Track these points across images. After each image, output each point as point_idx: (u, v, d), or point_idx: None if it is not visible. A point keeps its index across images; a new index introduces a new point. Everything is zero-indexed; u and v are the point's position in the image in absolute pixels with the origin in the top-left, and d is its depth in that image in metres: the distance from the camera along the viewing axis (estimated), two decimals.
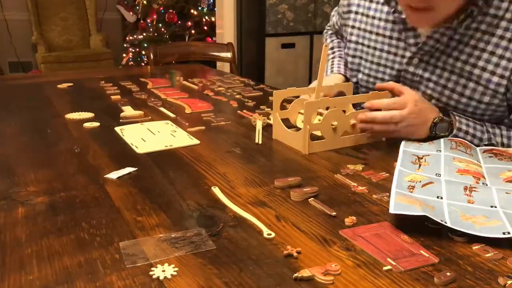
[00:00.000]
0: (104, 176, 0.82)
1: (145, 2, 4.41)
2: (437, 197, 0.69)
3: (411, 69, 1.07)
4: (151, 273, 0.54)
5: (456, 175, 0.78)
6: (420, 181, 0.74)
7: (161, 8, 4.20)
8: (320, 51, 1.02)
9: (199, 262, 0.56)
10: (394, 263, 0.56)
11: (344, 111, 0.99)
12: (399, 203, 0.64)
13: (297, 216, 0.68)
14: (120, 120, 1.16)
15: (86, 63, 5.01)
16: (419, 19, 0.98)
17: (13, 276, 0.53)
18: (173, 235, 0.62)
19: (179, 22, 4.14)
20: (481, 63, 0.97)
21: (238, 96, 1.44)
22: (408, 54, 1.08)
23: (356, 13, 1.20)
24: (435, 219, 0.61)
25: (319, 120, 0.99)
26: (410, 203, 0.65)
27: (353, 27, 1.21)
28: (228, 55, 2.29)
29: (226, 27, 3.56)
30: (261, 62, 3.48)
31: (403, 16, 1.04)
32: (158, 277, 0.53)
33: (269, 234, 0.62)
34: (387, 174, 0.83)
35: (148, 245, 0.60)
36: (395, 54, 1.11)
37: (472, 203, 0.68)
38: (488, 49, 0.97)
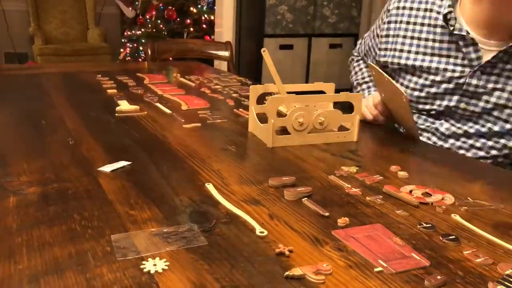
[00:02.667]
0: (98, 169, 0.81)
1: None
2: None
3: (474, 81, 1.10)
4: (142, 266, 0.53)
5: None
6: None
7: (161, 5, 4.19)
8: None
9: (191, 257, 0.56)
10: (385, 265, 0.56)
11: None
12: None
13: (290, 215, 0.68)
14: (116, 114, 1.16)
15: (83, 56, 4.99)
16: None
17: (2, 265, 0.53)
18: (165, 230, 0.62)
19: (178, 19, 4.13)
20: None
21: (234, 95, 1.44)
22: (467, 69, 1.11)
23: (404, 37, 1.21)
24: None
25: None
26: None
27: (401, 50, 1.22)
28: (226, 53, 2.29)
29: (225, 26, 3.56)
30: (259, 62, 3.48)
31: (463, 32, 1.09)
32: (149, 271, 0.53)
33: (261, 232, 0.62)
34: (381, 177, 0.83)
35: (140, 238, 0.59)
36: (453, 71, 1.13)
37: None
38: None
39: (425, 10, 1.18)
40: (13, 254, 0.55)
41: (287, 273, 0.53)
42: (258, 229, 0.63)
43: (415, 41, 1.19)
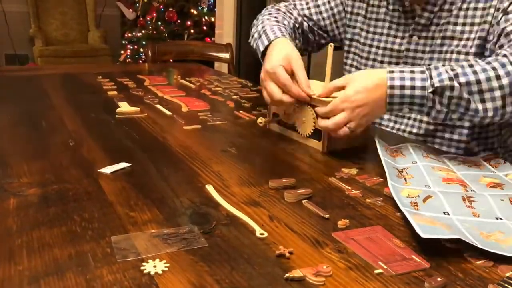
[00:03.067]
0: (98, 170, 0.81)
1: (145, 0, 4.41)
2: (444, 213, 0.69)
3: (412, 47, 1.11)
4: (142, 268, 0.53)
5: (443, 184, 0.78)
6: (418, 196, 0.74)
7: (161, 6, 4.20)
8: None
9: (191, 259, 0.56)
10: (385, 267, 0.56)
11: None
12: (423, 225, 0.62)
13: (290, 217, 0.68)
14: (116, 116, 1.16)
15: (83, 58, 5.00)
16: None
17: (2, 266, 0.53)
18: (165, 231, 0.62)
19: (179, 21, 4.14)
20: (467, 20, 1.04)
21: (235, 97, 1.44)
22: (407, 34, 1.12)
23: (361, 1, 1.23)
24: (468, 241, 0.60)
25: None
26: (431, 224, 0.64)
27: (351, 13, 1.25)
28: (227, 55, 2.29)
29: (226, 28, 3.56)
30: (260, 64, 3.47)
31: None
32: (149, 272, 0.53)
33: (261, 234, 0.62)
34: (381, 179, 0.83)
35: (140, 240, 0.59)
36: (395, 37, 1.15)
37: (478, 216, 0.68)
38: (471, 6, 1.03)
39: None
40: (13, 256, 0.55)
41: (287, 275, 0.53)
42: (258, 231, 0.63)
43: (368, 14, 1.21)
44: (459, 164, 0.90)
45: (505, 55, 0.87)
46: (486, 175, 0.85)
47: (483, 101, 0.84)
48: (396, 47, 1.15)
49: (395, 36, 1.16)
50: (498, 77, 0.84)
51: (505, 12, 0.98)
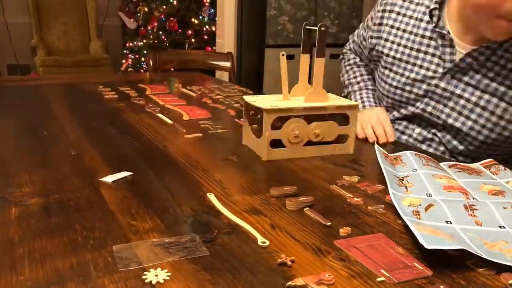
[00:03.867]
0: (100, 179, 0.81)
1: (146, 9, 4.44)
2: (446, 221, 0.68)
3: (442, 84, 1.10)
4: (143, 277, 0.53)
5: (444, 192, 0.78)
6: (420, 204, 0.73)
7: (162, 16, 4.22)
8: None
9: (192, 267, 0.56)
10: (388, 275, 0.56)
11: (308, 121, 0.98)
12: (426, 235, 0.62)
13: (292, 225, 0.68)
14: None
15: (85, 68, 5.02)
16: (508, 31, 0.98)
17: (4, 276, 0.53)
18: (166, 240, 0.62)
19: (180, 30, 4.16)
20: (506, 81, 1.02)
21: (236, 105, 1.44)
22: (441, 70, 1.10)
23: (392, 27, 1.21)
24: (472, 251, 0.60)
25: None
26: (434, 233, 0.63)
27: (386, 40, 1.22)
28: (228, 64, 2.30)
29: (226, 37, 3.58)
30: (260, 72, 3.49)
31: (444, 31, 1.08)
32: (150, 281, 0.52)
33: (263, 242, 0.62)
34: (382, 186, 0.83)
35: (142, 249, 0.59)
36: (427, 69, 1.13)
37: (480, 224, 0.68)
38: None
39: (417, 4, 1.18)
40: (14, 266, 0.55)
41: (289, 283, 0.53)
42: (260, 239, 0.63)
43: (399, 32, 1.19)
44: (459, 172, 0.90)
45: None
46: (487, 182, 0.85)
47: None
48: (427, 80, 1.14)
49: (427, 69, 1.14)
50: None
51: None
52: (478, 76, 1.05)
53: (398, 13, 1.20)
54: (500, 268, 0.58)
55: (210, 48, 3.96)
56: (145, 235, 0.63)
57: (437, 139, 1.15)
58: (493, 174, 0.90)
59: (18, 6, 5.12)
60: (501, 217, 0.69)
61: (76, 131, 1.11)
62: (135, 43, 4.53)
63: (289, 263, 0.57)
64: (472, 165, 0.95)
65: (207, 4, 4.11)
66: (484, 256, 0.59)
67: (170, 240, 0.62)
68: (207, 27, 4.07)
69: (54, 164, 0.90)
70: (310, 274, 0.55)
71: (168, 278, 0.53)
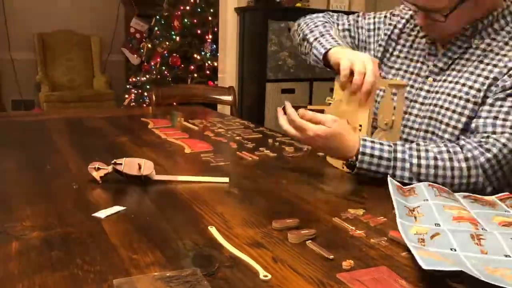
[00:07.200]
0: (92, 215, 0.80)
1: (149, 45, 4.53)
2: (451, 249, 0.68)
3: (426, 87, 1.17)
4: None
5: (454, 223, 0.77)
6: (426, 233, 0.73)
7: (165, 52, 4.30)
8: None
9: None
10: None
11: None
12: (426, 258, 0.62)
13: (294, 258, 0.67)
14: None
15: (89, 103, 5.08)
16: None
17: None
18: (168, 274, 0.61)
19: (182, 65, 4.23)
20: (469, 82, 1.08)
21: (238, 138, 1.45)
22: (427, 73, 1.18)
23: (403, 44, 1.26)
24: (471, 274, 0.59)
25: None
26: (435, 257, 0.63)
27: (391, 54, 1.28)
28: (229, 98, 2.33)
29: (228, 72, 3.64)
30: (261, 106, 3.52)
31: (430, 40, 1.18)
32: None
33: (265, 276, 0.61)
34: (385, 219, 0.82)
35: (143, 283, 0.59)
36: (418, 75, 1.20)
37: (486, 253, 0.67)
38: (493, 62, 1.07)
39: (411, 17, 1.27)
40: None
41: None
42: (262, 273, 0.62)
43: (398, 47, 1.27)
44: (472, 202, 0.89)
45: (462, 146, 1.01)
46: (499, 214, 0.84)
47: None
48: (416, 84, 1.19)
49: (417, 74, 1.20)
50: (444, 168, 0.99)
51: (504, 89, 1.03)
52: (453, 73, 1.12)
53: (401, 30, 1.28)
54: None
55: (212, 83, 4.01)
56: (146, 269, 0.63)
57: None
58: (508, 207, 0.89)
59: (24, 44, 5.24)
60: (507, 246, 0.69)
61: (78, 165, 1.11)
62: (138, 78, 4.60)
63: None
64: (487, 198, 0.94)
65: (209, 40, 4.19)
66: (482, 278, 0.58)
67: (171, 274, 0.61)
68: (209, 62, 4.14)
69: (55, 197, 0.90)
70: None
71: None
